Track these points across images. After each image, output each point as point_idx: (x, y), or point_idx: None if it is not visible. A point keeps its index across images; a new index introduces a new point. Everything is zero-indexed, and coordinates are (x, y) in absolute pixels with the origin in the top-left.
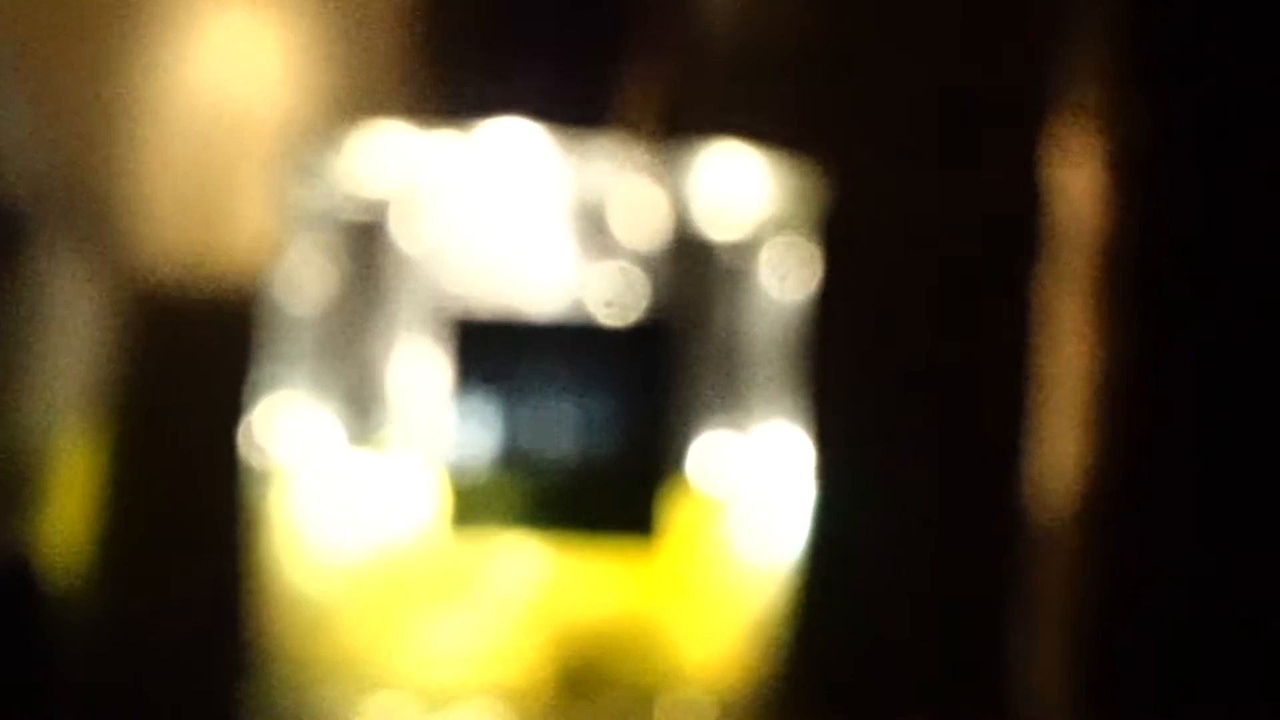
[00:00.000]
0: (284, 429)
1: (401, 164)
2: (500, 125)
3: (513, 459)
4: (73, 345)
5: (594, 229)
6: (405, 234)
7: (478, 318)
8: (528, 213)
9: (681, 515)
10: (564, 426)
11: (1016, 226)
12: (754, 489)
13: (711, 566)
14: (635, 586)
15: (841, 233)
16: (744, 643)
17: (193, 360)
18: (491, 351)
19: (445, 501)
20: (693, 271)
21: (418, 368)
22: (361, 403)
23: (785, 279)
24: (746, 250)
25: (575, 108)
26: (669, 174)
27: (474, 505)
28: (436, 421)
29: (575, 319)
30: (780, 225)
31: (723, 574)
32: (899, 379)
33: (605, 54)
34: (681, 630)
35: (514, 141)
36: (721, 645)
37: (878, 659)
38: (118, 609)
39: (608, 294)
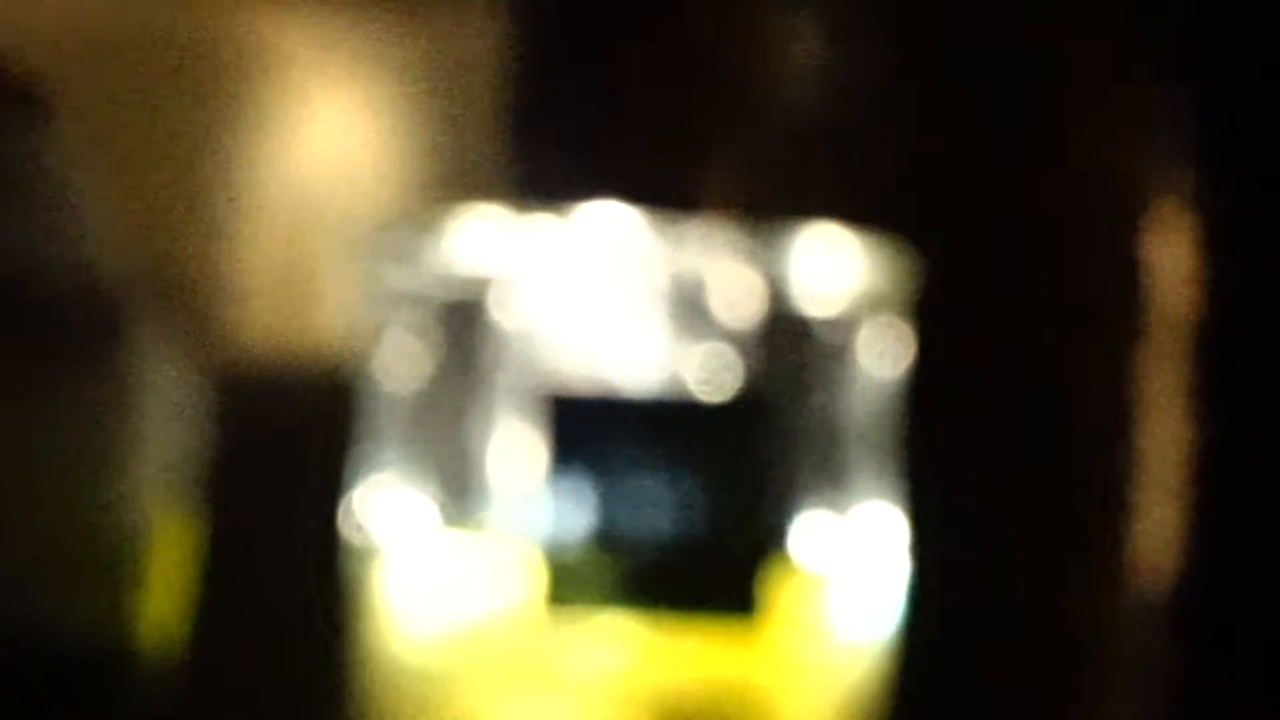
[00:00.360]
0: (380, 509)
1: (497, 247)
2: (595, 208)
3: (609, 537)
4: (167, 430)
5: (690, 308)
6: (502, 313)
7: (574, 395)
8: (624, 293)
9: (781, 593)
10: (661, 504)
11: (1110, 304)
12: (851, 566)
13: (812, 644)
14: (735, 666)
15: (935, 310)
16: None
17: (287, 442)
18: (588, 429)
19: (541, 581)
20: (789, 349)
21: (514, 446)
22: (458, 481)
23: (881, 357)
24: (842, 328)
25: (670, 190)
26: (763, 254)
27: (570, 584)
28: (532, 500)
29: (672, 396)
30: (875, 304)
31: (823, 651)
32: (994, 456)
33: (698, 137)
34: (783, 709)
35: (609, 224)
36: None
37: None
38: (214, 693)
39: (704, 372)
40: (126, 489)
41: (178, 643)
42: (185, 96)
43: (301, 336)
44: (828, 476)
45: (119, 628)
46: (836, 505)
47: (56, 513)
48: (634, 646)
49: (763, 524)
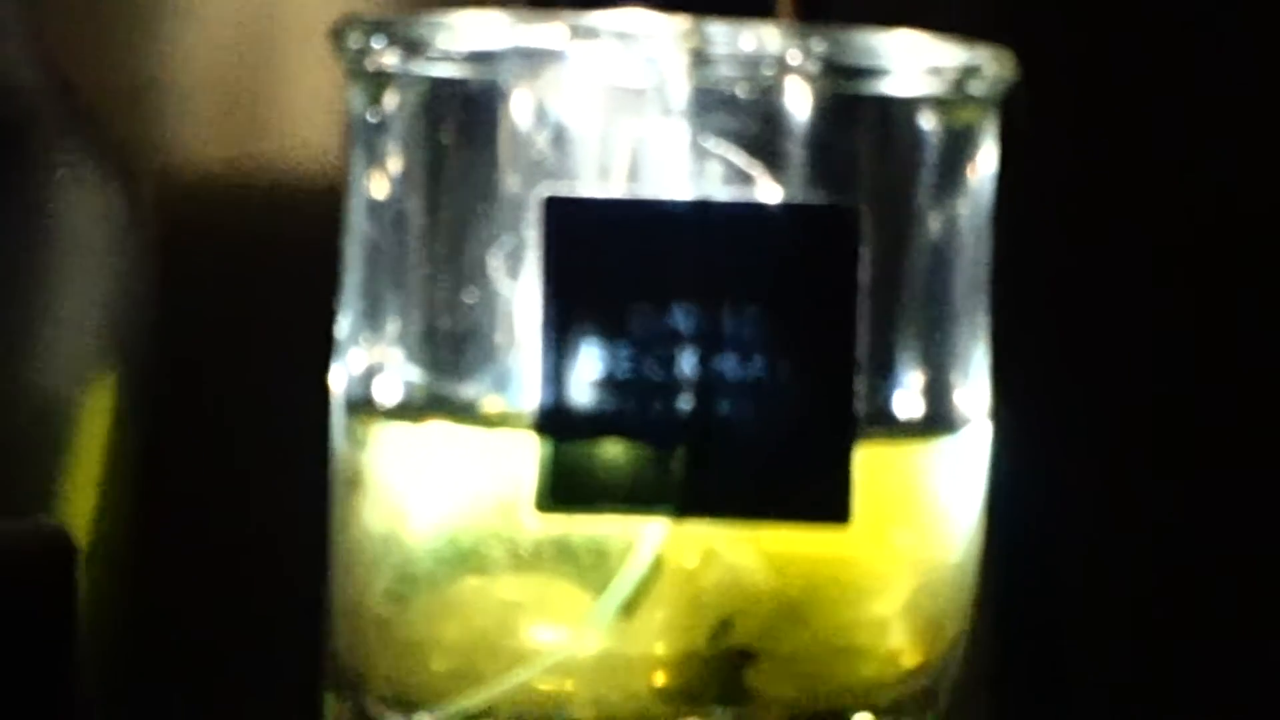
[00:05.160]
0: (357, 372)
1: (497, 44)
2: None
3: (638, 414)
4: (94, 273)
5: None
6: (504, 122)
7: (587, 206)
8: (651, 97)
9: (872, 473)
10: (716, 361)
11: None
12: (954, 432)
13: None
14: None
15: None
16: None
17: (242, 289)
18: (610, 250)
19: (547, 470)
20: (876, 138)
21: (516, 284)
22: (450, 337)
23: (972, 169)
24: (938, 118)
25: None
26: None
27: (581, 475)
28: (538, 361)
29: (723, 202)
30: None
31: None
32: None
33: None
34: (873, 590)
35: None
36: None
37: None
38: (163, 587)
39: (760, 169)
40: (48, 345)
41: (115, 535)
42: None
43: (257, 154)
44: (933, 314)
45: (45, 514)
46: (941, 350)
47: None
48: (678, 555)
49: (851, 389)
